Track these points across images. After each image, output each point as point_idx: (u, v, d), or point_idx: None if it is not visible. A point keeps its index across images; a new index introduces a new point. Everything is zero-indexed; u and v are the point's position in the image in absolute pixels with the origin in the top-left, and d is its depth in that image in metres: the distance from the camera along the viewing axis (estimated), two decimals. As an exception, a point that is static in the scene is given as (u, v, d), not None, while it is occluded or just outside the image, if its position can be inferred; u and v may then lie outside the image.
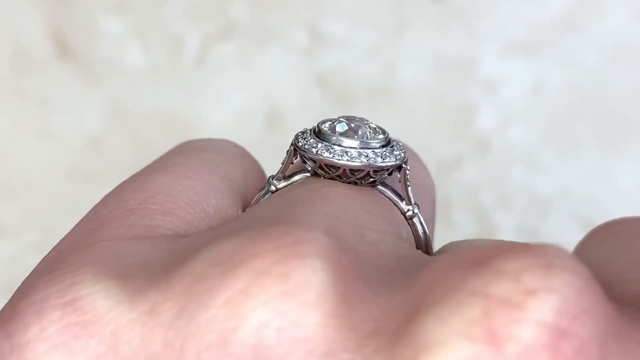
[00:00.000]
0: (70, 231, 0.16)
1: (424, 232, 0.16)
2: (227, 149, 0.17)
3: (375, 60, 0.39)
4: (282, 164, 0.16)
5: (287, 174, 0.16)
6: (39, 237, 0.36)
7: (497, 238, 0.36)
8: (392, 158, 0.15)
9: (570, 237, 0.36)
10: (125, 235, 0.14)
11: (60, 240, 0.16)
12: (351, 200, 0.14)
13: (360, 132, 0.15)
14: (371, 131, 0.15)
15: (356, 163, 0.15)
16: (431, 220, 0.17)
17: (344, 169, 0.15)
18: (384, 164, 0.15)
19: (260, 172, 0.18)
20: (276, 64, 0.38)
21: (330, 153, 0.15)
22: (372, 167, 0.15)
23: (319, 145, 0.15)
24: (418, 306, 0.11)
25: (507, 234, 0.37)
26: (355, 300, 0.12)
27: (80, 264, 0.13)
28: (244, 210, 0.16)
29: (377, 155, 0.15)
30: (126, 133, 0.38)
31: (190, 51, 0.38)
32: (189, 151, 0.17)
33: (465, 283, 0.11)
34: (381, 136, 0.15)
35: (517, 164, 0.37)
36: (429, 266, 0.12)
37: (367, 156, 0.15)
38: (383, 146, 0.15)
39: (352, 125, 0.15)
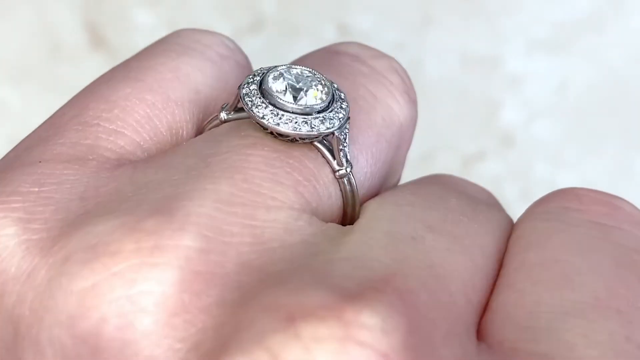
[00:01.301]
0: (28, 135, 0.16)
1: (352, 191, 0.15)
2: (210, 49, 0.17)
3: (402, 55, 0.39)
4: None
5: (238, 106, 0.15)
6: None
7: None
8: (322, 126, 0.14)
9: None
10: (62, 157, 0.15)
11: (18, 144, 0.16)
12: (264, 169, 0.14)
13: (302, 94, 0.15)
14: (317, 90, 0.15)
15: (283, 129, 0.14)
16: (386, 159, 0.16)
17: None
18: (310, 133, 0.14)
19: (243, 77, 0.17)
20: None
21: (265, 118, 0.14)
22: (299, 135, 0.14)
23: (260, 109, 0.14)
24: (230, 338, 0.12)
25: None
26: (194, 311, 0.12)
27: (3, 192, 0.14)
28: (202, 127, 0.16)
29: (307, 124, 0.14)
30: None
31: (220, 43, 0.39)
32: (167, 52, 0.17)
33: (263, 340, 0.11)
34: (323, 97, 0.15)
35: (540, 158, 0.38)
36: (265, 294, 0.12)
37: (296, 122, 0.14)
38: (322, 110, 0.15)
39: (298, 85, 0.15)
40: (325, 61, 0.16)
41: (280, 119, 0.14)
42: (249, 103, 0.14)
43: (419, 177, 0.18)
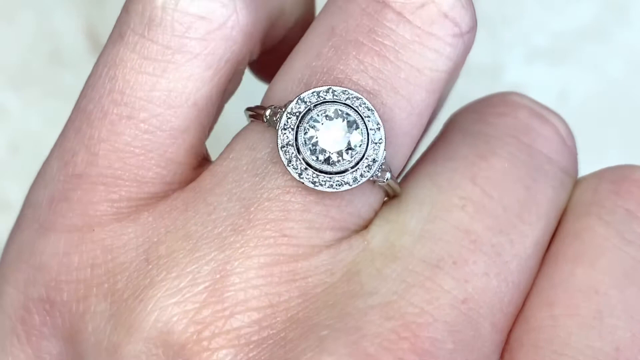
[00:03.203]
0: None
1: (391, 185, 0.15)
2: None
3: None
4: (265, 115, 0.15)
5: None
6: None
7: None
8: (359, 178, 0.14)
9: None
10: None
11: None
12: (300, 218, 0.14)
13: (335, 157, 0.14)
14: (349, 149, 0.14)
15: (320, 189, 0.14)
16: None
17: None
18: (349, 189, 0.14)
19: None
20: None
21: (302, 178, 0.14)
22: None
23: (297, 167, 0.14)
24: None
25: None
26: None
27: None
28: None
29: (344, 183, 0.14)
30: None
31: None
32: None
33: None
34: (357, 150, 0.14)
35: None
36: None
37: (331, 183, 0.14)
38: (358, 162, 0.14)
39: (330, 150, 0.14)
40: (364, 23, 0.14)
41: (317, 177, 0.14)
42: (286, 160, 0.14)
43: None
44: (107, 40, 0.15)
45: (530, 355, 0.13)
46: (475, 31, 0.15)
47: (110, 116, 0.15)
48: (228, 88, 0.15)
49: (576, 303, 0.13)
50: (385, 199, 0.15)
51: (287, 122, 0.14)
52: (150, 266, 0.13)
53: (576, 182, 0.16)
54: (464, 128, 0.15)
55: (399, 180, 0.15)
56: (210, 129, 0.16)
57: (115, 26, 0.15)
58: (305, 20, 0.16)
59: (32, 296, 0.13)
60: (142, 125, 0.14)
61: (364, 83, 0.14)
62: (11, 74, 0.38)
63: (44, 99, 0.38)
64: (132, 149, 0.14)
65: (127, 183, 0.14)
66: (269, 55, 0.16)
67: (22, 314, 0.13)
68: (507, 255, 0.13)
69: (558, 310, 0.13)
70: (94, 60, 0.38)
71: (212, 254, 0.13)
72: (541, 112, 0.15)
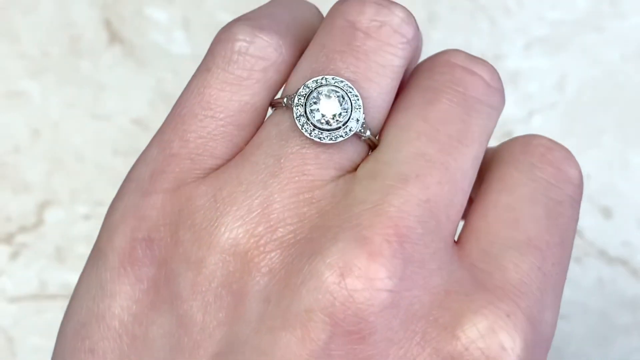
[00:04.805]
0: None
1: (370, 138, 0.21)
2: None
3: None
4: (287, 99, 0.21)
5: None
6: (89, 207, 0.37)
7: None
8: (349, 131, 0.20)
9: (588, 223, 0.37)
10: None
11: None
12: (314, 162, 0.20)
13: (333, 122, 0.20)
14: (339, 111, 0.21)
15: (326, 142, 0.20)
16: None
17: None
18: (344, 139, 0.20)
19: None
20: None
21: (312, 135, 0.20)
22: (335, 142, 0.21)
23: (308, 130, 0.20)
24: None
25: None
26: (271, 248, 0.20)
27: None
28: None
29: (341, 136, 0.20)
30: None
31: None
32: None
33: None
34: (342, 113, 0.21)
35: None
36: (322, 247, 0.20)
37: (331, 136, 0.20)
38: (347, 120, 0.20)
39: (328, 119, 0.20)
40: (344, 40, 0.21)
41: (321, 134, 0.20)
42: (300, 126, 0.20)
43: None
44: (196, 71, 0.21)
45: (472, 243, 0.20)
46: (418, 37, 0.22)
47: (198, 116, 0.21)
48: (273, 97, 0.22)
49: (501, 213, 0.20)
50: (371, 152, 0.21)
51: (298, 101, 0.20)
52: (218, 204, 0.19)
53: (502, 143, 0.23)
54: (417, 84, 0.21)
55: (377, 138, 0.21)
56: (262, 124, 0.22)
57: (202, 62, 0.21)
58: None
59: (137, 237, 0.20)
60: (220, 122, 0.21)
61: (347, 75, 0.21)
62: (32, 62, 0.39)
63: (62, 86, 0.39)
64: (212, 136, 0.21)
65: (205, 158, 0.20)
66: None
67: (129, 250, 0.20)
68: (453, 168, 0.20)
69: (490, 219, 0.20)
70: (111, 48, 0.39)
71: (259, 192, 0.19)
72: (471, 68, 0.21)
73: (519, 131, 0.38)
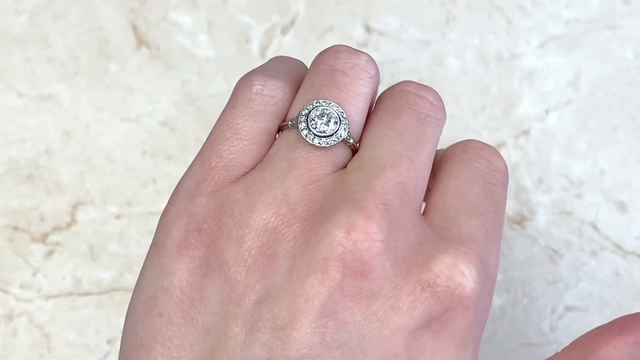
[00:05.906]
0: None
1: (354, 146, 0.27)
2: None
3: (426, 52, 0.39)
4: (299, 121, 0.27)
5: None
6: (119, 207, 0.37)
7: (536, 218, 0.37)
8: (337, 139, 0.26)
9: (604, 217, 0.37)
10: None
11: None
12: (316, 161, 0.26)
13: (327, 130, 0.26)
14: (332, 124, 0.26)
15: (323, 145, 0.26)
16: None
17: None
18: (335, 144, 0.26)
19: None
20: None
21: (314, 142, 0.26)
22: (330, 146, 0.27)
23: (310, 136, 0.26)
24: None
25: (544, 214, 0.38)
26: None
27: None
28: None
29: (334, 141, 0.26)
30: (195, 115, 0.39)
31: (254, 42, 0.40)
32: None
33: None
34: (333, 127, 0.26)
35: (555, 149, 0.38)
36: (330, 213, 0.25)
37: (327, 142, 0.26)
38: (335, 131, 0.26)
39: (324, 128, 0.26)
40: (327, 77, 0.27)
41: (320, 140, 0.26)
42: (304, 135, 0.26)
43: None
44: (225, 108, 0.27)
45: (433, 212, 0.26)
46: (379, 74, 0.28)
47: (229, 139, 0.26)
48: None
49: (451, 191, 0.27)
50: (353, 155, 0.27)
51: (301, 119, 0.26)
52: (250, 197, 0.25)
53: (447, 147, 0.28)
54: (382, 106, 0.27)
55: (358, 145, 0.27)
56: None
57: (229, 102, 0.27)
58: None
59: (189, 229, 0.25)
60: (245, 142, 0.26)
61: (333, 99, 0.27)
62: (62, 66, 0.40)
63: (92, 90, 0.39)
64: (240, 153, 0.26)
65: (236, 168, 0.26)
66: None
67: (184, 239, 0.25)
68: (416, 161, 0.26)
69: (445, 196, 0.26)
70: (137, 52, 0.39)
71: (279, 185, 0.25)
72: (420, 93, 0.27)
73: (536, 129, 0.39)
